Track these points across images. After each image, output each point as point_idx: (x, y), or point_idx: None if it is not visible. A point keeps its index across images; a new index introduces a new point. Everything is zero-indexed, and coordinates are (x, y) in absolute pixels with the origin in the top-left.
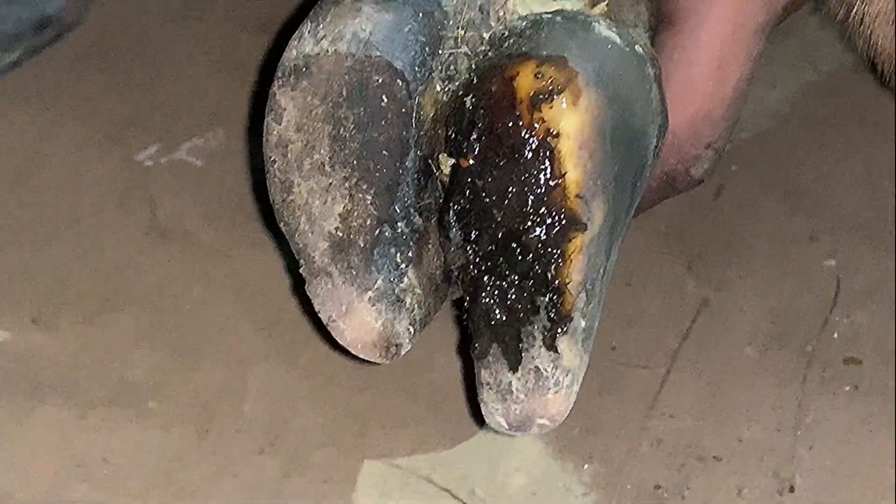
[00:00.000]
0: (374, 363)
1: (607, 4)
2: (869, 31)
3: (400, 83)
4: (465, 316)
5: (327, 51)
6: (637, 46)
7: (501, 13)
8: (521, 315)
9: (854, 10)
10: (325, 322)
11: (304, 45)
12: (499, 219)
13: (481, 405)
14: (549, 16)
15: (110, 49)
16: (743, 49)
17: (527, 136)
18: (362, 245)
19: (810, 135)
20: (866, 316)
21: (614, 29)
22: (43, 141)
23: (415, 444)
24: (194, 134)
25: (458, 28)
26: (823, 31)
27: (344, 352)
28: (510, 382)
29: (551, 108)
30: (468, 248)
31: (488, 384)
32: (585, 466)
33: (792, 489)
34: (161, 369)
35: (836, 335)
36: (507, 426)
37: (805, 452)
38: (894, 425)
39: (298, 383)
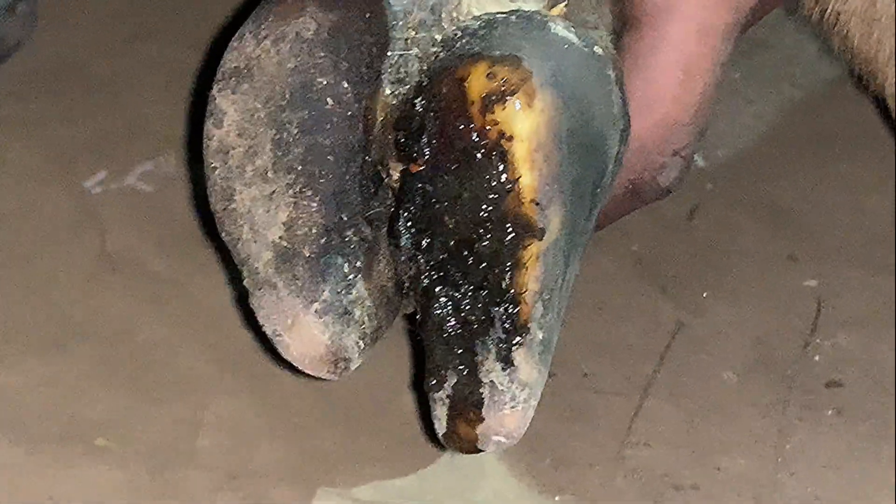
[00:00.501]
0: (324, 379)
1: (566, 5)
2: (845, 31)
3: (346, 85)
4: (418, 329)
5: (269, 51)
6: (596, 47)
7: (454, 14)
8: (476, 327)
9: (829, 10)
10: (269, 336)
11: (245, 45)
12: (451, 226)
13: (434, 422)
14: (504, 16)
15: (55, 71)
16: (709, 53)
17: (479, 139)
18: (308, 255)
19: (789, 151)
20: (849, 338)
21: (573, 29)
22: None
23: (379, 478)
24: (145, 159)
25: (408, 29)
26: (800, 45)
27: (306, 380)
28: (463, 398)
29: (504, 109)
30: (420, 257)
31: (441, 400)
32: (557, 498)
33: None
34: (113, 405)
35: (817, 358)
36: (460, 444)
37: (787, 480)
38: (882, 450)
39: (257, 418)
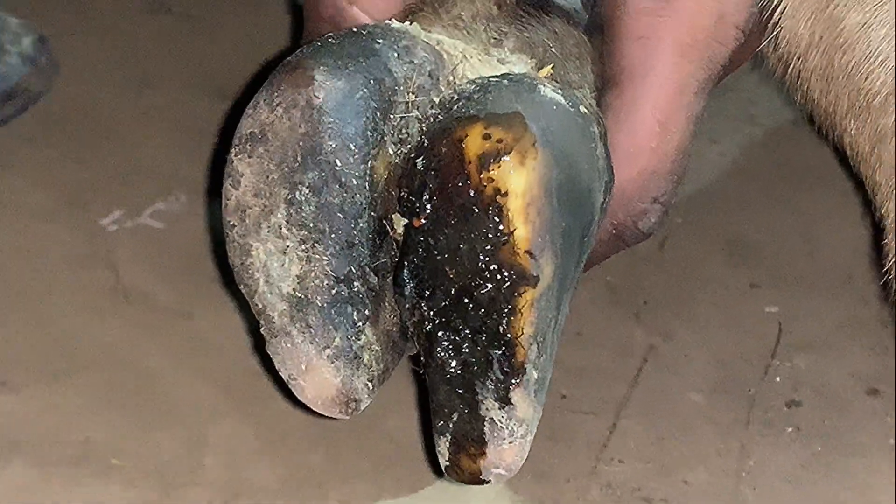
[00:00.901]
0: (333, 419)
1: (552, 67)
2: (806, 87)
3: (353, 147)
4: (422, 370)
5: (282, 118)
6: (582, 107)
7: (451, 78)
8: (476, 368)
9: (791, 67)
10: (285, 380)
11: (259, 112)
12: (451, 275)
13: (439, 456)
14: (497, 79)
15: (71, 118)
16: (684, 108)
17: (476, 195)
18: (320, 304)
19: (751, 188)
20: (807, 360)
21: (559, 90)
22: (9, 211)
23: (372, 495)
24: (156, 198)
25: (408, 93)
26: (761, 87)
27: (303, 408)
28: (465, 435)
29: (499, 167)
30: (423, 305)
31: (445, 435)
32: None
33: None
34: (124, 428)
35: (778, 379)
36: (462, 477)
37: (749, 493)
38: (837, 464)
39: (257, 440)
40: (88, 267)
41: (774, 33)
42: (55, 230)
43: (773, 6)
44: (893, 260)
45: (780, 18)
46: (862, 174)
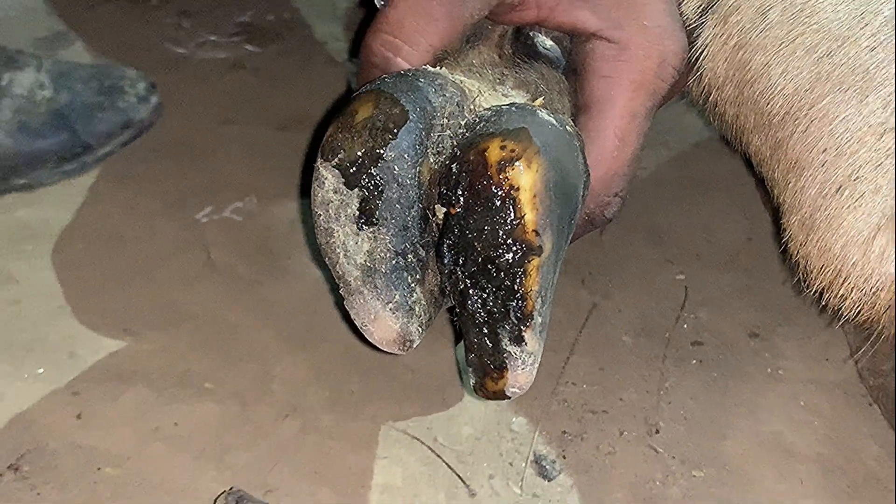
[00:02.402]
0: (391, 353)
1: (543, 98)
2: (722, 111)
3: (406, 157)
4: (457, 319)
5: (355, 136)
6: (568, 126)
7: (472, 106)
8: (497, 316)
9: (711, 97)
10: (359, 327)
11: (337, 131)
12: (479, 248)
13: (470, 380)
14: (507, 106)
15: (175, 144)
16: (636, 128)
17: (496, 190)
18: (384, 271)
19: (665, 193)
20: (706, 313)
21: (551, 115)
22: (130, 209)
23: (394, 409)
24: (236, 200)
25: (443, 118)
26: (673, 118)
27: (358, 347)
28: (490, 364)
29: (513, 170)
30: (458, 270)
31: (474, 366)
32: (514, 420)
33: (658, 431)
34: (213, 363)
35: (686, 327)
36: (488, 395)
37: (666, 407)
38: (729, 386)
39: (309, 372)
40: (187, 248)
41: (699, 73)
42: (164, 223)
43: (698, 52)
44: (789, 234)
45: (703, 61)
46: (764, 174)
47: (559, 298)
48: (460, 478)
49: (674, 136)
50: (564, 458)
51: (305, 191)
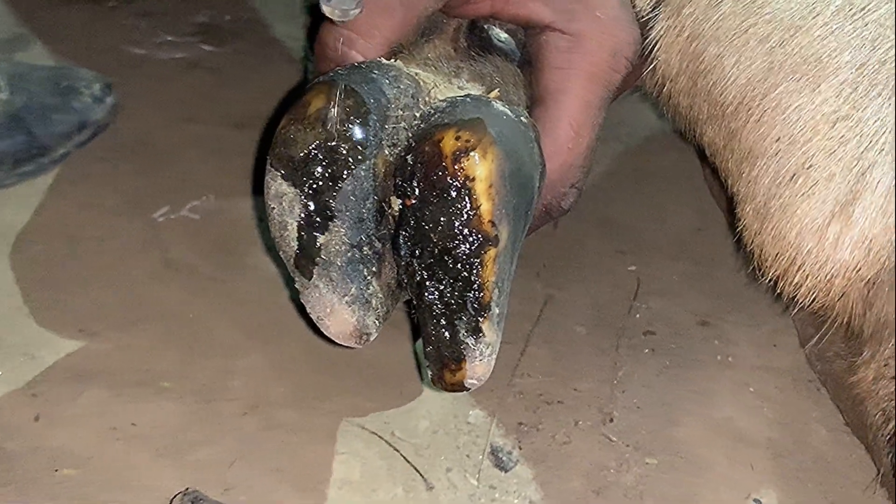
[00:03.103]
0: (349, 347)
1: (498, 90)
2: (675, 102)
3: (360, 148)
4: (414, 311)
5: (305, 130)
6: (523, 117)
7: (427, 98)
8: (454, 307)
9: (665, 88)
10: (315, 320)
11: (290, 124)
12: (435, 239)
13: (427, 373)
14: (462, 97)
15: (133, 144)
16: (591, 119)
17: (452, 181)
18: (339, 264)
19: (617, 186)
20: (658, 303)
21: (506, 106)
22: (88, 209)
23: (357, 405)
24: (193, 198)
25: (398, 109)
26: (625, 112)
27: (316, 342)
28: (448, 356)
29: (468, 160)
30: (414, 262)
31: (432, 358)
32: (470, 412)
33: (612, 420)
34: (173, 361)
35: (638, 316)
36: (446, 387)
37: (619, 395)
38: (680, 374)
39: (271, 368)
40: (146, 248)
41: (653, 64)
42: (122, 222)
43: (652, 44)
44: (743, 223)
45: (657, 53)
46: (717, 165)
47: (514, 291)
48: (418, 471)
49: (626, 129)
50: (520, 448)
51: (259, 188)
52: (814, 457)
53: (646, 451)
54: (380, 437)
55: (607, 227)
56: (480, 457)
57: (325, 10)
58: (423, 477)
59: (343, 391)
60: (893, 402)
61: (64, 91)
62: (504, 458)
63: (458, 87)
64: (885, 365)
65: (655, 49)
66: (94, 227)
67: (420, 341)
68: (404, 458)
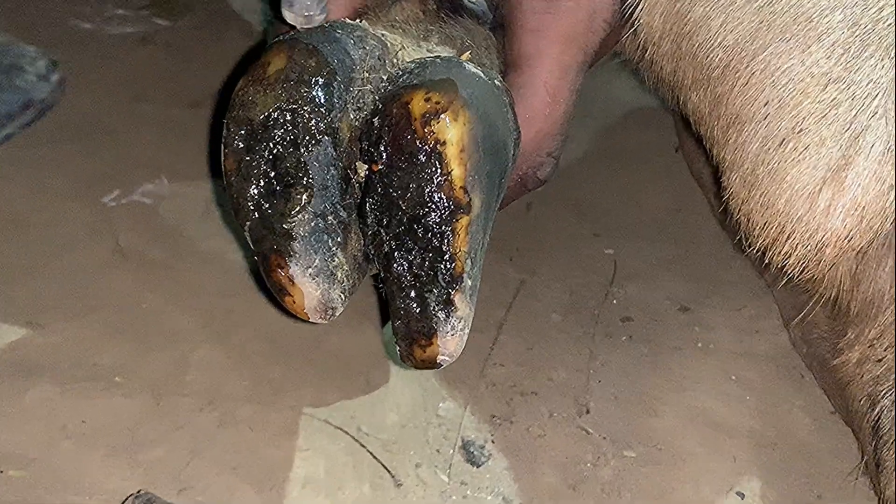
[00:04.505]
0: (310, 328)
1: (470, 53)
2: (659, 68)
3: (323, 111)
4: (382, 286)
5: (266, 91)
6: (496, 81)
7: (395, 60)
8: (424, 279)
9: (647, 53)
10: (276, 294)
11: (248, 86)
12: (404, 207)
13: (397, 350)
14: (432, 58)
15: (81, 124)
16: (568, 84)
17: (421, 144)
18: (302, 234)
19: (591, 167)
20: (635, 288)
21: (479, 68)
22: (33, 193)
23: (315, 398)
24: (146, 182)
25: (364, 71)
26: (597, 91)
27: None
28: (417, 330)
29: (438, 123)
30: (382, 231)
31: (401, 333)
32: (440, 405)
33: (588, 411)
34: (125, 354)
35: (615, 302)
36: (416, 364)
37: (596, 385)
38: (658, 362)
39: (227, 360)
40: (95, 234)
41: (634, 28)
42: (69, 206)
43: (633, 5)
44: (729, 192)
45: (638, 15)
46: (702, 133)
47: (485, 276)
48: (385, 468)
49: (600, 105)
50: (493, 442)
51: (216, 170)
52: (798, 447)
53: (623, 443)
54: (345, 431)
55: (582, 209)
56: (451, 451)
57: (288, 17)
58: (391, 474)
59: (305, 383)
60: (878, 385)
61: (6, 69)
62: (476, 453)
63: (427, 51)
64: (869, 346)
65: (637, 10)
66: (41, 213)
67: (389, 327)
68: (371, 454)
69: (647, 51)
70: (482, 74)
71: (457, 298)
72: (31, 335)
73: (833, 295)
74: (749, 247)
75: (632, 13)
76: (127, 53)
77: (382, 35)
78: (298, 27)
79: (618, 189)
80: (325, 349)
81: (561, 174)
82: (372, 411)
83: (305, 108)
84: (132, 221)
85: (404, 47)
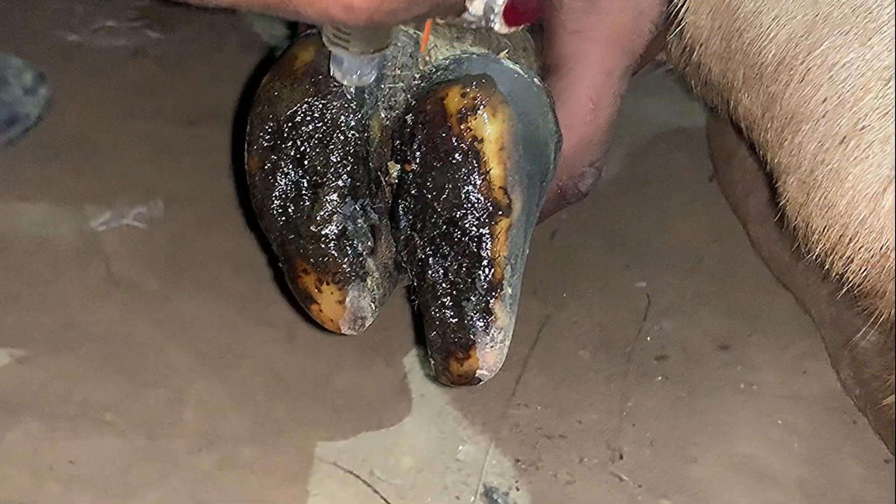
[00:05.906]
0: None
1: (507, 52)
2: (706, 70)
3: (353, 106)
4: (415, 297)
5: (294, 85)
6: (536, 79)
7: (427, 58)
8: (462, 286)
9: (694, 55)
10: (301, 304)
11: (273, 82)
12: (439, 209)
13: (432, 364)
14: (467, 54)
15: (69, 142)
16: (612, 89)
17: (457, 142)
18: (331, 237)
19: (621, 192)
20: (671, 323)
21: (517, 64)
22: (19, 215)
23: (322, 438)
24: (138, 204)
25: (395, 68)
26: (625, 108)
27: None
28: (454, 343)
29: (475, 119)
30: (415, 236)
31: (436, 346)
32: (460, 448)
33: (621, 457)
34: (116, 390)
35: (648, 339)
36: (453, 380)
37: (629, 429)
38: (697, 404)
39: (227, 396)
40: (84, 260)
41: (680, 27)
42: (57, 230)
43: (679, 5)
44: (786, 197)
45: (685, 14)
46: (754, 137)
47: None
48: None
49: (628, 128)
50: (518, 489)
51: (214, 191)
52: (850, 498)
53: (659, 491)
54: (356, 475)
55: (611, 238)
56: (472, 498)
57: (337, 76)
58: None
59: (312, 423)
60: None
61: None
62: (500, 500)
63: (461, 52)
64: None
65: (683, 9)
66: (26, 237)
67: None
68: (385, 500)
69: (693, 52)
70: (521, 71)
71: (496, 307)
72: (15, 368)
73: (891, 316)
74: (807, 254)
75: (677, 13)
76: (118, 67)
77: (415, 33)
78: (348, 85)
79: (650, 217)
80: (334, 386)
81: (588, 201)
82: (385, 454)
83: (335, 102)
84: (124, 247)
85: (437, 46)
